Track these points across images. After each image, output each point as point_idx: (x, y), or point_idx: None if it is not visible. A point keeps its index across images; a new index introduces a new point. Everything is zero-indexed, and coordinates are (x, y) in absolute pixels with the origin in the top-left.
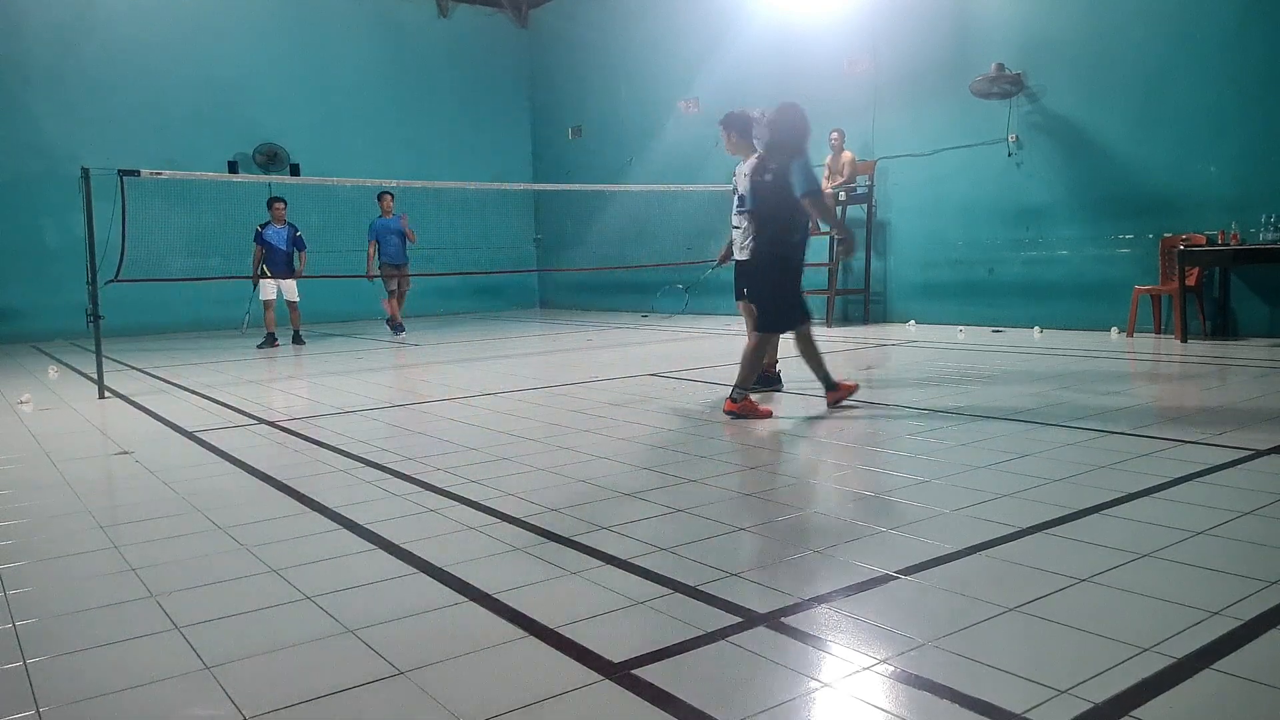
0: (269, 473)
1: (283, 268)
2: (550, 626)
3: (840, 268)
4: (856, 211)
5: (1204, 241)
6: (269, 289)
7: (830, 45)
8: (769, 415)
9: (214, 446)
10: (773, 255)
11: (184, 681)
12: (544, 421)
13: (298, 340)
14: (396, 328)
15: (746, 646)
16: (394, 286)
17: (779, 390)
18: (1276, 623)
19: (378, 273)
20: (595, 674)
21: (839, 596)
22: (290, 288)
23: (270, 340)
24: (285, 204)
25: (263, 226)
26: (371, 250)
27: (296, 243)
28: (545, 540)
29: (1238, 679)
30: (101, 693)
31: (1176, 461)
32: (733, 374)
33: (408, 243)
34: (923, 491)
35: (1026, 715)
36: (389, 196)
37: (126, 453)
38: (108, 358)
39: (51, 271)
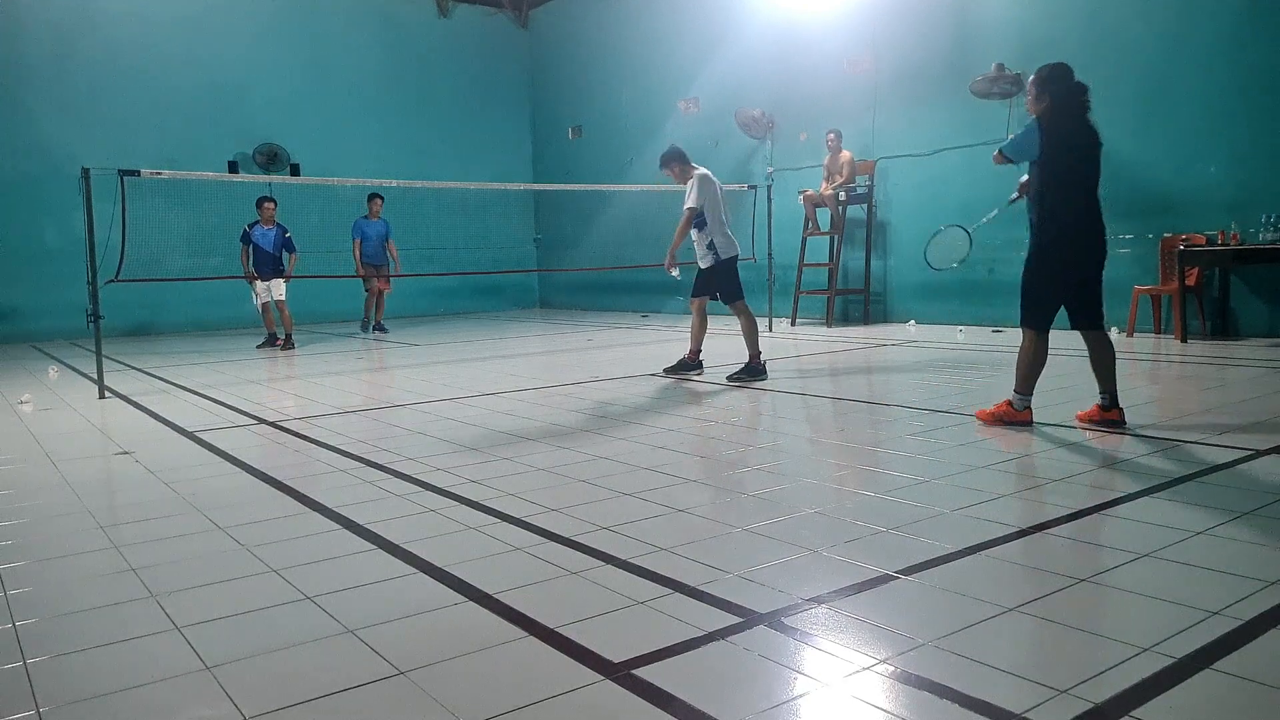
0: (269, 473)
1: (269, 269)
2: (550, 626)
3: (840, 267)
4: (856, 211)
5: (1204, 241)
6: (260, 291)
7: (830, 45)
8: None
9: (214, 446)
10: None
11: (184, 681)
12: (544, 421)
13: (288, 344)
14: (368, 326)
15: (746, 646)
16: (371, 287)
17: (699, 373)
18: (1276, 623)
19: (365, 272)
20: (595, 674)
21: (839, 596)
22: (278, 287)
23: (270, 340)
24: (275, 204)
25: (250, 226)
26: (357, 248)
27: (286, 244)
28: (545, 540)
29: (1238, 679)
30: (101, 693)
31: (1176, 461)
32: (730, 371)
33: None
34: (923, 491)
35: (1026, 715)
36: (379, 200)
37: (126, 453)
38: (108, 358)
39: (51, 271)
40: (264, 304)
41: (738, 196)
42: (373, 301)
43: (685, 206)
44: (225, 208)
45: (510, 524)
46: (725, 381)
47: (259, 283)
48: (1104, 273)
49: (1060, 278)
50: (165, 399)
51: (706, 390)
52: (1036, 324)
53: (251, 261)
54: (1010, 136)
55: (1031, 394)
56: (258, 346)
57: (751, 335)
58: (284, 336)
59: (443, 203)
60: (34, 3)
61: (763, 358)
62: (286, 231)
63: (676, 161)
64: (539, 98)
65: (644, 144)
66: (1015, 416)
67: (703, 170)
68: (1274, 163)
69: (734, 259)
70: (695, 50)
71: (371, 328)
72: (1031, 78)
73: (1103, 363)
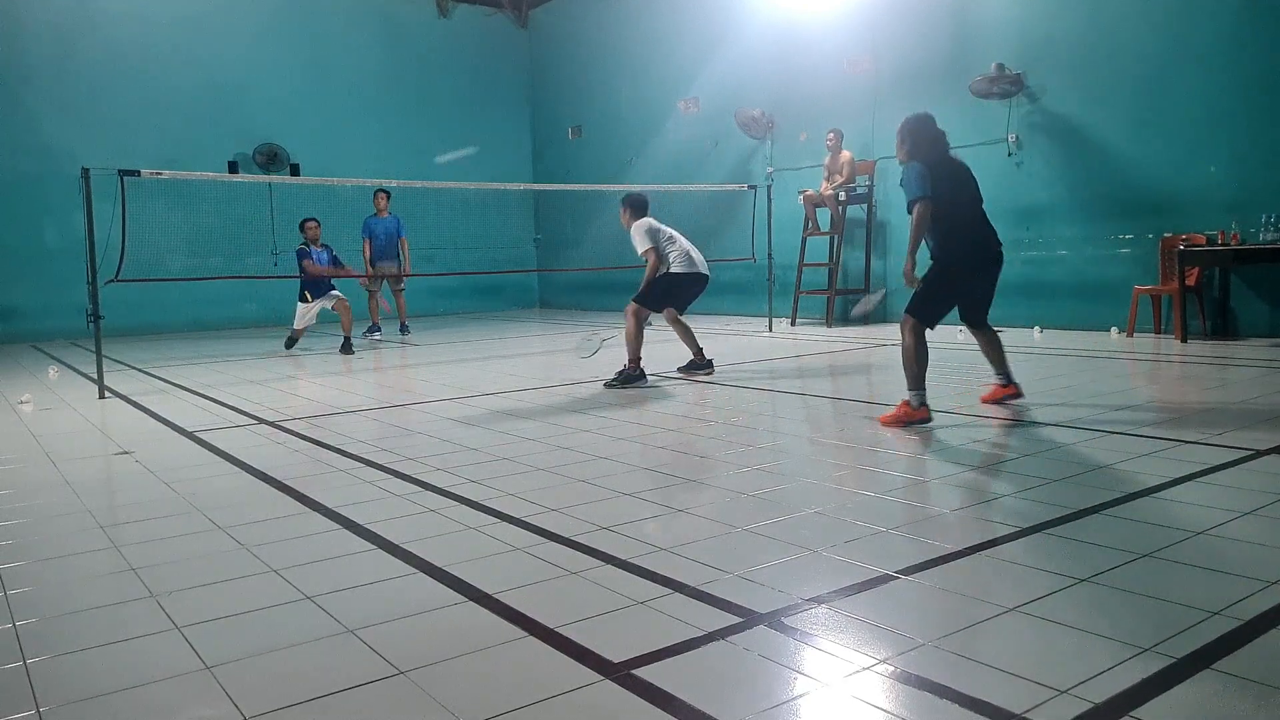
0: (269, 473)
1: (325, 286)
2: (550, 626)
3: (840, 267)
4: (856, 211)
5: (1204, 241)
6: (306, 310)
7: (830, 45)
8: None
9: (214, 446)
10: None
11: (184, 681)
12: (544, 421)
13: (348, 348)
14: (374, 330)
15: (746, 646)
16: (376, 287)
17: (710, 372)
18: (1276, 623)
19: (374, 272)
20: (595, 674)
21: (839, 596)
22: (331, 297)
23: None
24: (319, 223)
25: (305, 246)
26: (367, 249)
27: (335, 261)
28: (545, 540)
29: (1238, 679)
30: (101, 693)
31: (1176, 461)
32: (730, 373)
33: (399, 246)
34: (923, 491)
35: (1026, 715)
36: (385, 195)
37: (126, 453)
38: (108, 358)
39: (51, 271)
40: (306, 325)
41: (738, 196)
42: (375, 304)
43: (641, 253)
44: (225, 208)
45: (510, 524)
46: (722, 382)
47: (302, 304)
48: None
49: (958, 290)
50: (165, 399)
51: (707, 390)
52: (927, 320)
53: (308, 286)
54: (905, 186)
55: (924, 390)
56: (287, 347)
57: (634, 341)
58: (376, 328)
59: (443, 203)
60: (34, 3)
61: (642, 364)
62: (333, 250)
63: (630, 209)
64: (539, 98)
65: (644, 144)
66: (914, 415)
67: (646, 220)
68: (1274, 163)
69: (679, 277)
70: (695, 50)
71: (375, 331)
72: (898, 129)
73: (992, 351)
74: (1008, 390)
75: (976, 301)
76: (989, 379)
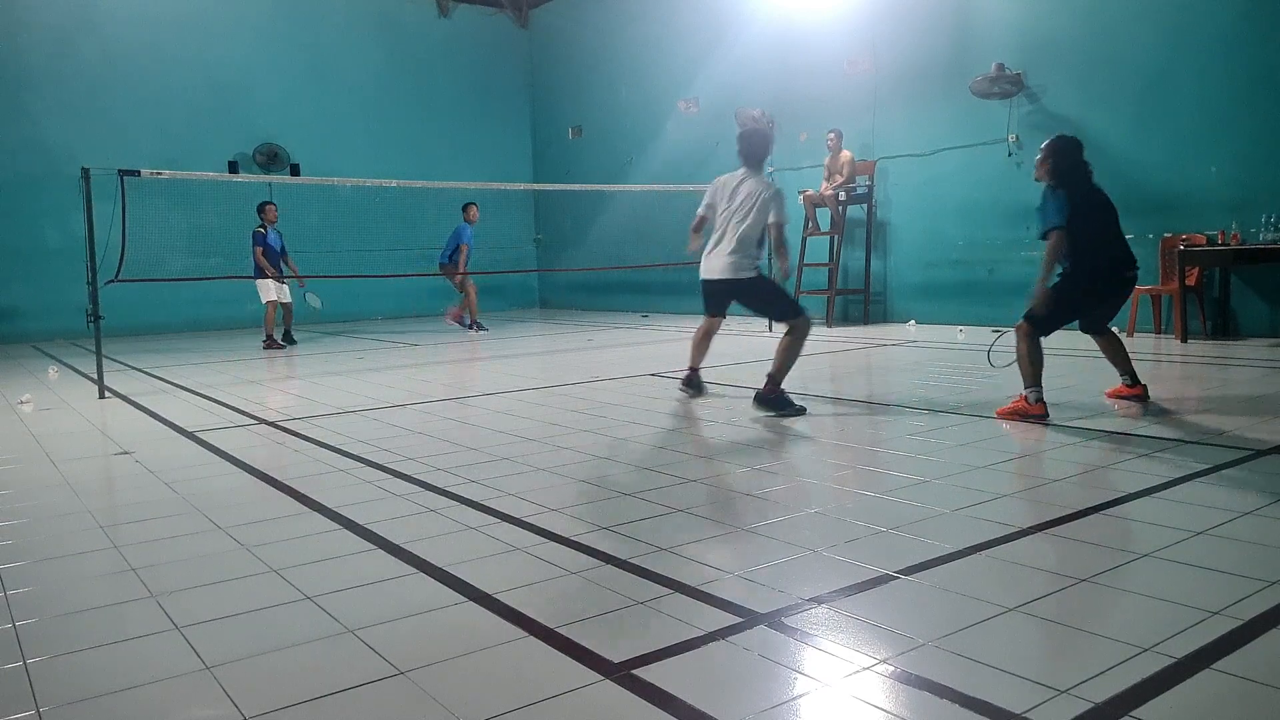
0: (269, 473)
1: (278, 260)
2: (550, 626)
3: (840, 267)
4: (856, 211)
5: (1204, 241)
6: (276, 290)
7: (830, 45)
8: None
9: (214, 446)
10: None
11: (184, 681)
12: (544, 421)
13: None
14: (475, 324)
15: (746, 646)
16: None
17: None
18: (1276, 623)
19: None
20: (595, 674)
21: (839, 596)
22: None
23: (285, 339)
24: (276, 206)
25: (263, 229)
26: (464, 256)
27: (284, 249)
28: (545, 540)
29: (1238, 679)
30: (101, 693)
31: (1176, 461)
32: (730, 373)
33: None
34: (923, 491)
35: (1026, 715)
36: (475, 206)
37: (126, 453)
38: (108, 358)
39: (51, 271)
40: (273, 301)
41: None
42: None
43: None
44: (225, 208)
45: (510, 524)
46: (722, 382)
47: (273, 282)
48: None
49: (1081, 309)
50: (165, 399)
51: (706, 390)
52: (1043, 331)
53: (272, 263)
54: (1041, 212)
55: (1041, 388)
56: (281, 347)
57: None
58: (285, 332)
59: (443, 203)
60: (34, 3)
61: (785, 388)
62: (282, 236)
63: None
64: (539, 98)
65: (644, 144)
66: (1031, 409)
67: (739, 173)
68: (1274, 163)
69: (704, 283)
70: (695, 50)
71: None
72: (1043, 146)
73: (1114, 353)
74: (1134, 391)
75: (1099, 316)
76: (1115, 379)
